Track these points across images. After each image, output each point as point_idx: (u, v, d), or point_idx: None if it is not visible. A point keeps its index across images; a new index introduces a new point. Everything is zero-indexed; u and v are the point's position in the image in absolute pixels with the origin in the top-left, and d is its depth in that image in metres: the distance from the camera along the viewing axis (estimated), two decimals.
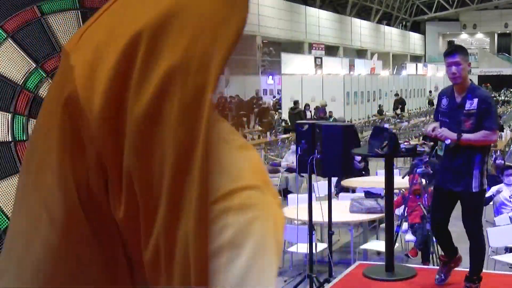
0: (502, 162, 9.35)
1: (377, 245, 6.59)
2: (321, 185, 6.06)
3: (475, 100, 4.50)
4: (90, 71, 0.70)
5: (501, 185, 7.59)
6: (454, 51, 4.56)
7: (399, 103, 27.02)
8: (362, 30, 41.64)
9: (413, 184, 6.62)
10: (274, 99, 25.13)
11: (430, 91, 34.91)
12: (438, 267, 5.07)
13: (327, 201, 5.97)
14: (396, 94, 27.81)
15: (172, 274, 0.66)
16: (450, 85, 4.73)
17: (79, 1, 1.80)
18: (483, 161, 4.58)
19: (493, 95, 39.70)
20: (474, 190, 4.49)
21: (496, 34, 56.95)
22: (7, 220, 1.49)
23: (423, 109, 29.96)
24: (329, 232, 5.96)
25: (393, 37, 47.99)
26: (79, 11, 1.81)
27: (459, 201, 4.69)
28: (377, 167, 10.41)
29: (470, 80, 4.68)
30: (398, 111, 26.01)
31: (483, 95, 4.63)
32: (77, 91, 0.70)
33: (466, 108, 4.52)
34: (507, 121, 23.29)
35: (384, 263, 5.36)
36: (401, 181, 6.65)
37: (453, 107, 4.58)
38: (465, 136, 4.47)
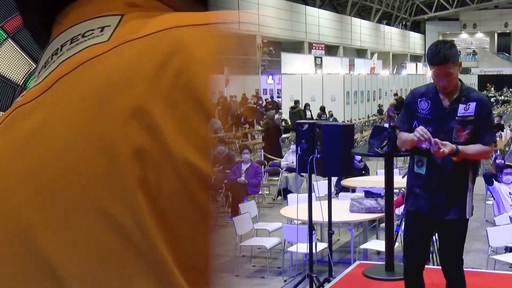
0: (502, 161, 9.36)
1: (377, 244, 6.59)
2: (321, 184, 6.06)
3: (472, 105, 3.55)
4: None
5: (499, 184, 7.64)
6: (446, 58, 3.44)
7: (398, 103, 26.91)
8: (362, 29, 41.65)
9: None
10: (280, 99, 25.05)
11: None
12: (438, 267, 4.99)
13: (327, 201, 5.97)
14: (395, 94, 27.78)
15: None
16: (430, 83, 3.75)
17: None
18: (474, 180, 3.71)
19: (493, 94, 39.80)
20: (468, 217, 3.63)
21: (496, 34, 56.97)
22: None
23: None
24: (329, 231, 5.96)
25: (393, 36, 47.99)
26: None
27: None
28: (377, 166, 10.41)
29: (459, 78, 3.66)
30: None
31: (482, 99, 3.68)
32: None
33: (459, 114, 3.55)
34: (507, 120, 23.27)
35: (384, 262, 5.36)
36: (401, 181, 6.61)
37: (439, 112, 3.59)
38: (462, 150, 3.51)
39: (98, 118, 0.56)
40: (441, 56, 3.44)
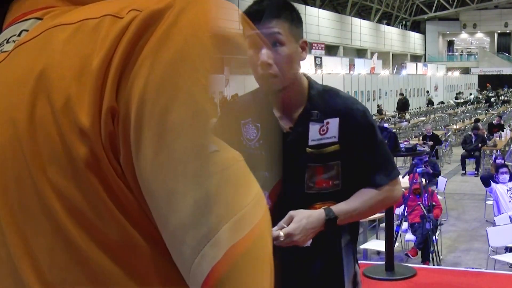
0: (502, 161, 9.35)
1: (377, 244, 6.58)
2: None
3: (333, 122, 1.79)
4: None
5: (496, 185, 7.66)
6: (272, 11, 1.70)
7: (403, 103, 26.62)
8: (362, 29, 41.66)
9: (413, 184, 6.63)
10: None
11: (428, 91, 34.99)
12: (438, 267, 5.00)
13: None
14: (401, 94, 27.64)
15: None
16: (258, 89, 1.93)
17: None
18: (355, 249, 1.94)
19: (493, 94, 39.73)
20: None
21: (496, 34, 56.96)
22: None
23: (423, 109, 30.00)
24: None
25: (393, 36, 47.99)
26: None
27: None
28: None
29: (306, 76, 1.85)
30: (402, 114, 25.30)
31: (353, 109, 1.82)
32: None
33: (312, 142, 1.79)
34: (507, 120, 23.27)
35: (384, 262, 5.36)
36: (401, 181, 6.63)
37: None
38: (339, 212, 1.76)
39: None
40: (264, 7, 1.71)
